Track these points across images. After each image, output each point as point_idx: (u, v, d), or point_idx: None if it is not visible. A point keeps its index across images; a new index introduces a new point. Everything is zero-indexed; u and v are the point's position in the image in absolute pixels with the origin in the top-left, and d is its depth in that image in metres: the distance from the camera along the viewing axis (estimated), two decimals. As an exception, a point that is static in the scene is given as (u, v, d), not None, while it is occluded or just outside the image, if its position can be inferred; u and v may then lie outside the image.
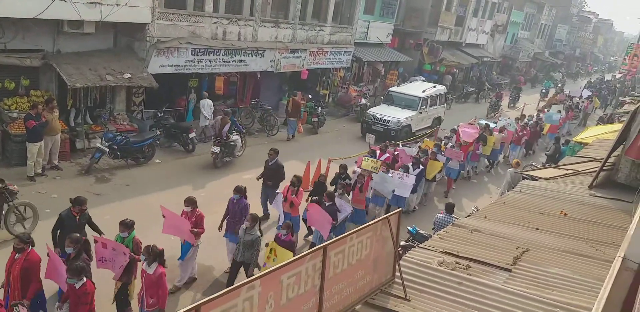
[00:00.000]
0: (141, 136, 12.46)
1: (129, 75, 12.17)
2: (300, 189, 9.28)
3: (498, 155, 16.87)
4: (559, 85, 34.97)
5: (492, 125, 17.61)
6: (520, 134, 17.67)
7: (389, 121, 17.38)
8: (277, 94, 19.23)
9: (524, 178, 9.64)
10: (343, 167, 10.51)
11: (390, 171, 10.85)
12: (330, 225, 8.23)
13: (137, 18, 12.54)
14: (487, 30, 35.22)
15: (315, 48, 19.16)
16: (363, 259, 4.20)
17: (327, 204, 8.73)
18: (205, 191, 11.41)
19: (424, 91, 18.79)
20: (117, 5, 11.81)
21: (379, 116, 17.68)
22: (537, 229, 6.47)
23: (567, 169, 9.79)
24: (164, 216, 7.34)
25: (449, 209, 9.28)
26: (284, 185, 9.81)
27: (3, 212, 8.30)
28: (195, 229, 7.46)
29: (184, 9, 14.26)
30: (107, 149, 11.43)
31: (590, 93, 31.29)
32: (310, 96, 18.98)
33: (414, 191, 11.34)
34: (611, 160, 8.81)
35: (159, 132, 13.18)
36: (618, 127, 15.05)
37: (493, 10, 34.98)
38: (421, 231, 9.33)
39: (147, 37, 13.00)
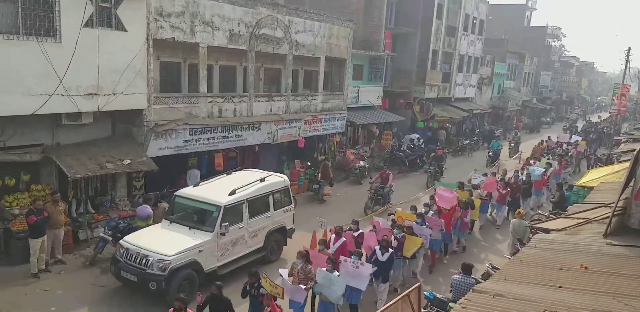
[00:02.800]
0: (143, 221, 11.85)
1: (128, 161, 12.29)
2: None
3: (483, 215, 15.65)
4: (513, 144, 30.26)
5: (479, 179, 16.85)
6: (503, 192, 15.93)
7: (148, 261, 9.47)
8: (276, 165, 19.33)
9: (536, 232, 9.42)
10: (253, 275, 8.46)
11: (342, 258, 9.09)
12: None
13: (134, 105, 12.88)
14: (473, 84, 36.29)
15: (309, 117, 19.58)
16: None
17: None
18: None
19: (233, 193, 10.79)
20: (114, 94, 12.20)
21: (133, 251, 9.72)
22: (560, 287, 6.21)
23: (577, 218, 9.60)
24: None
25: (466, 269, 8.99)
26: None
27: None
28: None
29: (179, 91, 14.76)
30: (110, 238, 11.25)
31: (578, 138, 30.88)
32: (309, 163, 19.11)
33: (385, 279, 9.87)
34: (621, 204, 8.66)
35: (161, 215, 12.85)
36: (619, 167, 15.07)
37: (477, 64, 36.27)
38: (439, 296, 9.00)
39: (145, 122, 13.29)
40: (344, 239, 10.35)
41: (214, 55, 15.65)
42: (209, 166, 15.83)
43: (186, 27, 13.98)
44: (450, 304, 8.36)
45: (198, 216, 10.90)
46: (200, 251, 9.98)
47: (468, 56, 34.56)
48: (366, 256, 10.08)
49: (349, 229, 11.18)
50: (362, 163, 20.91)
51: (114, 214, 12.58)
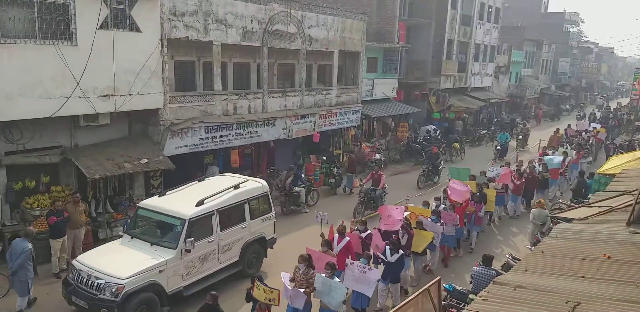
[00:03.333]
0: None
1: (145, 160, 12.41)
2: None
3: (499, 208, 15.51)
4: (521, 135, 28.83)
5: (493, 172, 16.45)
6: (518, 182, 15.67)
7: (99, 285, 8.48)
8: (291, 160, 19.38)
9: (557, 221, 9.30)
10: (252, 281, 8.00)
11: (348, 261, 8.68)
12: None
13: (150, 105, 12.99)
14: (490, 73, 35.79)
15: (324, 111, 19.54)
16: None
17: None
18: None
19: (201, 203, 9.71)
20: (130, 95, 12.31)
21: (84, 273, 8.72)
22: (582, 277, 6.11)
23: (599, 207, 9.44)
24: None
25: (487, 261, 8.92)
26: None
27: None
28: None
29: (194, 90, 14.83)
30: (130, 236, 11.40)
31: (597, 125, 30.06)
32: (324, 158, 19.11)
33: (396, 280, 9.50)
34: (644, 191, 8.48)
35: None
36: (640, 154, 14.78)
37: (493, 53, 35.77)
38: (458, 287, 8.96)
39: (161, 121, 13.40)
40: (348, 238, 9.87)
41: (227, 53, 15.69)
42: (225, 163, 15.93)
43: (200, 25, 14.03)
44: (470, 296, 8.31)
45: (161, 231, 9.79)
46: (161, 271, 8.82)
47: (484, 45, 34.09)
48: (374, 255, 9.68)
49: (356, 229, 10.73)
50: (378, 156, 20.80)
51: (132, 213, 12.69)
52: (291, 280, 8.34)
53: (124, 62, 12.00)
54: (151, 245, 9.32)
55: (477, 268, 8.83)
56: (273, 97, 17.24)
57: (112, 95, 11.91)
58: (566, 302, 5.24)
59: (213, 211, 9.85)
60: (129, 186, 13.22)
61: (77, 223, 10.94)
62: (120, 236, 11.10)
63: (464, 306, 7.85)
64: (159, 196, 10.56)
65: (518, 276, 6.26)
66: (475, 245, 13.23)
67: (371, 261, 9.45)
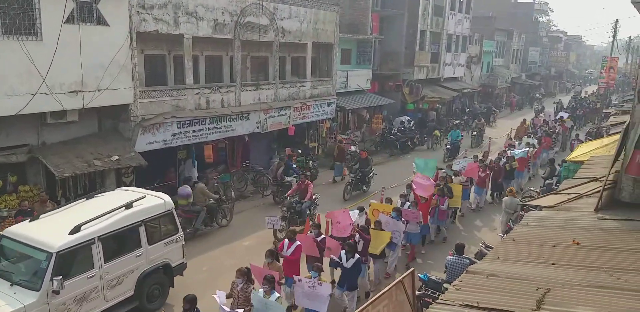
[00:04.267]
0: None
1: (116, 157, 12.19)
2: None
3: (464, 202, 15.02)
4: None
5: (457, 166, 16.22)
6: (482, 174, 15.37)
7: None
8: (267, 154, 19.30)
9: (527, 209, 9.48)
10: (189, 301, 7.08)
11: (296, 278, 8.05)
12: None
13: (119, 100, 12.74)
14: (462, 63, 36.17)
15: (298, 104, 19.47)
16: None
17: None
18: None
19: (77, 230, 7.87)
20: (99, 90, 12.05)
21: None
22: (553, 264, 6.26)
23: (568, 194, 9.66)
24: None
25: (459, 250, 9.06)
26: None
27: None
28: None
29: (165, 84, 14.61)
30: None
31: (566, 114, 30.00)
32: (300, 151, 19.07)
33: (353, 287, 8.86)
34: (612, 177, 8.71)
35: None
36: (608, 141, 15.12)
37: (465, 43, 36.11)
38: (433, 277, 9.08)
39: (132, 117, 13.15)
40: (299, 242, 9.13)
41: (199, 46, 15.47)
42: (199, 158, 15.76)
43: (169, 18, 13.77)
44: (445, 285, 8.43)
45: (25, 267, 7.87)
46: None
47: (456, 35, 34.37)
48: (331, 259, 9.11)
49: (310, 232, 9.90)
50: (353, 148, 20.82)
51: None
52: (228, 296, 7.63)
53: (91, 57, 11.72)
54: (11, 286, 7.43)
55: (451, 257, 8.96)
56: (246, 90, 17.09)
57: (80, 91, 11.64)
58: (537, 289, 5.36)
59: (93, 239, 7.97)
60: (100, 184, 12.95)
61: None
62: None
63: (439, 295, 7.96)
64: (29, 221, 8.60)
65: (491, 264, 6.37)
66: (439, 243, 12.90)
67: (329, 265, 9.15)
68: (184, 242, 10.00)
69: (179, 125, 14.30)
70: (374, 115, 25.67)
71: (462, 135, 24.30)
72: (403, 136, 23.95)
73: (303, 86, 20.02)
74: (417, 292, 8.10)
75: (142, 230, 8.85)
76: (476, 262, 7.63)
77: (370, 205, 11.48)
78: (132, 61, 12.80)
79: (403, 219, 10.91)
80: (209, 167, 16.41)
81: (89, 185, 12.45)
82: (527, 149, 18.68)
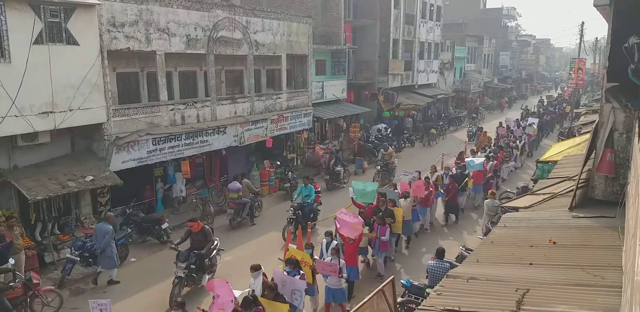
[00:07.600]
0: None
1: (91, 177, 11.98)
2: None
3: (412, 225, 13.26)
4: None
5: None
6: (426, 192, 13.53)
7: None
8: (245, 166, 19.20)
9: (506, 211, 9.60)
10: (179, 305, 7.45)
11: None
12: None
13: (92, 119, 12.56)
14: (435, 70, 36.70)
15: (275, 116, 19.48)
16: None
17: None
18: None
19: None
20: (70, 110, 11.85)
21: None
22: (530, 264, 6.34)
23: (543, 194, 9.82)
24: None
25: (440, 254, 9.11)
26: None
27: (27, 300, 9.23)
28: None
29: (138, 102, 14.50)
30: (78, 258, 10.89)
31: (535, 120, 26.90)
32: (278, 163, 19.06)
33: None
34: (584, 176, 8.88)
35: (129, 230, 12.79)
36: (580, 140, 15.44)
37: (437, 50, 36.70)
38: (415, 283, 9.10)
39: (105, 136, 12.97)
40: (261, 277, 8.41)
41: (172, 62, 15.41)
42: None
43: (141, 36, 13.70)
44: (428, 290, 8.46)
45: None
46: None
47: (428, 43, 34.91)
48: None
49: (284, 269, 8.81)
50: (337, 168, 19.26)
51: (80, 233, 12.20)
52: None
53: (62, 77, 11.57)
54: None
55: (432, 262, 9.01)
56: (222, 104, 17.04)
57: (51, 112, 11.44)
58: (516, 290, 5.42)
59: None
60: (75, 206, 12.72)
61: (16, 248, 10.34)
62: (69, 258, 10.73)
63: (422, 300, 7.98)
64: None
65: (470, 268, 6.43)
66: (386, 271, 11.28)
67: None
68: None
69: (154, 143, 14.15)
70: (351, 124, 25.80)
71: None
72: (380, 144, 24.09)
73: (279, 98, 20.06)
74: (400, 299, 8.14)
75: None
76: (457, 266, 7.69)
77: (289, 250, 9.43)
78: (104, 80, 12.66)
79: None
80: (187, 183, 16.28)
81: (63, 207, 12.22)
82: (482, 159, 16.66)
